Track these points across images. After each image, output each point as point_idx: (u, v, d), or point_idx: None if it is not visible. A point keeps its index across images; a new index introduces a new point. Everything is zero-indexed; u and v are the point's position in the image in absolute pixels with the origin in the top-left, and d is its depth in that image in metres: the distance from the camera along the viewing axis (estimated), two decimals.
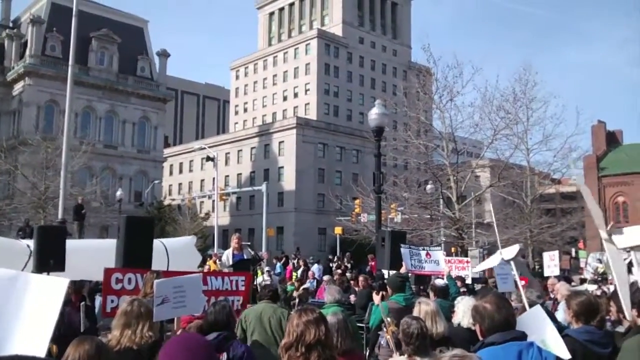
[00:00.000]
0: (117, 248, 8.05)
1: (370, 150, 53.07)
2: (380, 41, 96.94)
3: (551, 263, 15.02)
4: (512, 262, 6.33)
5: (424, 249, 11.09)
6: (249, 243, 28.70)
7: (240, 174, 79.86)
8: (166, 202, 62.64)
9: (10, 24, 66.36)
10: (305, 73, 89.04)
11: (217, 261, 13.31)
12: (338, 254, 37.63)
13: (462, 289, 12.38)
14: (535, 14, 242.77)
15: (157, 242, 9.25)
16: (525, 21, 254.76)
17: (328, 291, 7.90)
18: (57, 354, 3.68)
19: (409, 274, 10.18)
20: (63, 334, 3.48)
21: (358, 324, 8.62)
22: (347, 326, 4.82)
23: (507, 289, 8.50)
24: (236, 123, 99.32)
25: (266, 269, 19.89)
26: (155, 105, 66.43)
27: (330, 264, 27.06)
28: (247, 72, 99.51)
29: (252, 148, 79.95)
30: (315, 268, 24.50)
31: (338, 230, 44.62)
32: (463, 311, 6.27)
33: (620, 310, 4.67)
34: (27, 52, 58.68)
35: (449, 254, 25.47)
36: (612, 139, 71.92)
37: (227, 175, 78.54)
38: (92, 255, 8.97)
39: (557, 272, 15.04)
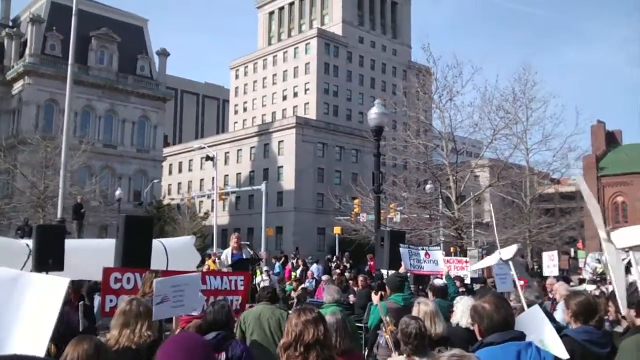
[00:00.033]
0: (116, 247, 8.05)
1: (370, 150, 53.06)
2: (380, 41, 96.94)
3: (550, 263, 15.02)
4: (510, 262, 6.33)
5: (423, 249, 11.09)
6: (248, 242, 28.73)
7: (240, 173, 79.86)
8: (165, 202, 62.66)
9: (10, 23, 66.35)
10: (304, 72, 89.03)
11: (216, 260, 13.30)
12: (337, 253, 37.64)
13: (460, 289, 12.37)
14: (535, 14, 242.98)
15: (156, 242, 9.24)
16: (525, 21, 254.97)
17: (327, 291, 7.90)
18: (55, 354, 3.68)
19: (408, 274, 10.19)
20: (62, 333, 3.48)
21: (357, 324, 8.62)
22: (346, 326, 4.82)
23: (505, 289, 8.51)
24: (236, 122, 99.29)
25: (265, 268, 19.88)
26: (154, 105, 66.40)
27: (330, 264, 27.05)
28: (246, 72, 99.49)
29: (251, 147, 79.94)
30: (314, 268, 24.49)
31: (337, 230, 44.63)
32: (462, 311, 6.28)
33: (618, 310, 4.68)
34: (27, 51, 58.65)
35: (448, 253, 25.46)
36: (612, 139, 71.95)
37: (227, 175, 78.55)
38: (91, 255, 8.97)
39: (556, 272, 15.05)
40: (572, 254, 46.96)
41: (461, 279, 14.01)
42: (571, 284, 15.21)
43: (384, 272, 10.84)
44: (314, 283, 20.03)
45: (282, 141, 75.45)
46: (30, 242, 7.90)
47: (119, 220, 8.36)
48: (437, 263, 10.88)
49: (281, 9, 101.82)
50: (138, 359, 4.16)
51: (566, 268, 40.67)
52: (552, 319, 6.42)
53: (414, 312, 5.41)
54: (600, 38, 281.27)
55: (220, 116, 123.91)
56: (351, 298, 14.01)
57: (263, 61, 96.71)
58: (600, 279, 15.79)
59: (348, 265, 26.26)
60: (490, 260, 8.66)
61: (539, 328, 3.89)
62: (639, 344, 3.77)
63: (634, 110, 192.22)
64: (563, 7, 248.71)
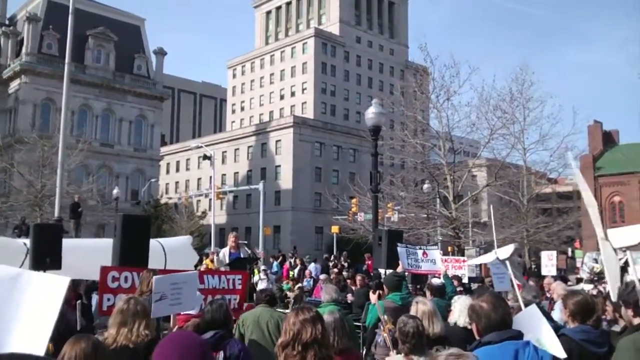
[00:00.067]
0: (113, 246, 8.05)
1: (367, 150, 53.08)
2: (377, 40, 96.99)
3: (549, 263, 15.08)
4: (507, 262, 6.33)
5: (420, 248, 11.11)
6: (245, 242, 28.72)
7: (237, 172, 79.84)
8: (163, 201, 62.63)
9: (6, 22, 66.19)
10: (302, 72, 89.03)
11: (215, 257, 13.29)
12: (335, 253, 37.65)
13: (458, 288, 12.39)
14: (534, 14, 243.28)
15: (154, 242, 9.25)
16: (524, 21, 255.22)
17: (325, 290, 7.91)
18: (53, 353, 3.68)
19: (406, 273, 10.21)
20: (59, 332, 3.48)
21: (355, 323, 8.63)
22: (344, 325, 4.83)
23: (503, 289, 8.53)
24: (233, 122, 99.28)
25: (262, 267, 19.89)
26: (152, 104, 66.33)
27: (329, 263, 27.07)
28: (244, 71, 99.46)
29: (249, 147, 79.93)
30: (312, 267, 24.51)
31: (335, 229, 44.64)
32: (459, 310, 6.28)
33: (616, 309, 4.69)
34: (23, 49, 58.52)
35: (445, 253, 25.48)
36: (609, 139, 72.02)
37: (224, 174, 78.53)
38: (88, 254, 8.96)
39: (554, 272, 15.11)
40: (570, 253, 47.01)
41: (459, 278, 14.03)
42: (569, 283, 15.26)
43: (382, 271, 10.85)
44: (311, 282, 20.05)
45: (280, 140, 75.45)
46: (27, 241, 7.89)
47: (117, 220, 8.36)
48: (435, 262, 10.90)
49: (278, 8, 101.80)
50: (136, 358, 4.16)
51: (564, 267, 40.71)
52: (550, 319, 6.44)
53: (412, 312, 5.41)
54: (599, 38, 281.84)
55: (217, 115, 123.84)
56: (349, 297, 14.03)
57: (260, 60, 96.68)
58: (598, 278, 15.81)
59: (346, 264, 26.29)
60: (487, 258, 8.68)
61: (536, 327, 3.90)
62: (636, 342, 3.78)
63: (632, 110, 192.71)
64: (562, 7, 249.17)
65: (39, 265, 6.84)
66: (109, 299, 7.03)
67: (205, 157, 43.27)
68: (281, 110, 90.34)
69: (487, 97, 31.20)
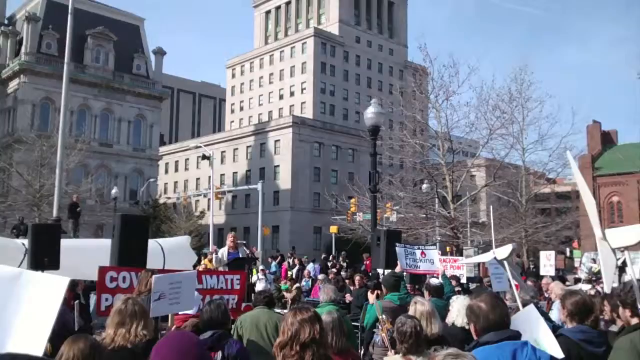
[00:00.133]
0: (112, 246, 8.04)
1: (366, 149, 53.14)
2: (377, 40, 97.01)
3: (547, 263, 15.10)
4: (505, 262, 6.33)
5: (419, 248, 11.13)
6: (244, 242, 28.74)
7: (236, 172, 79.82)
8: (161, 201, 62.60)
9: (6, 21, 66.13)
10: (301, 72, 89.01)
11: (214, 255, 13.30)
12: (333, 253, 37.68)
13: (456, 288, 12.40)
14: (533, 14, 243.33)
15: (153, 242, 9.25)
16: (522, 21, 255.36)
17: (323, 290, 7.90)
18: (51, 352, 3.67)
19: (404, 273, 10.21)
20: (57, 332, 3.48)
21: (353, 323, 8.62)
22: (342, 325, 4.83)
23: (501, 289, 8.53)
24: (232, 121, 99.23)
25: (261, 267, 19.89)
26: (150, 103, 66.31)
27: (328, 263, 27.08)
28: (243, 71, 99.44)
29: (248, 147, 79.90)
30: (310, 267, 24.53)
31: (333, 229, 44.65)
32: (457, 310, 6.28)
33: (614, 309, 4.69)
34: (23, 49, 58.48)
35: (444, 253, 25.52)
36: (607, 139, 72.08)
37: (223, 174, 78.48)
38: (86, 255, 8.96)
39: (552, 272, 15.13)
40: (568, 253, 47.03)
41: (457, 279, 14.03)
42: (567, 283, 15.26)
43: (380, 271, 10.86)
44: (310, 282, 20.06)
45: (279, 140, 75.42)
46: (26, 241, 7.89)
47: (115, 219, 8.36)
48: (433, 262, 10.92)
49: (278, 8, 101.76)
50: (133, 358, 4.15)
51: (562, 268, 40.75)
52: (548, 319, 6.44)
53: (411, 312, 5.41)
54: (598, 38, 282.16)
55: (216, 115, 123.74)
56: (348, 297, 14.03)
57: (259, 60, 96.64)
58: (596, 278, 15.83)
59: (344, 264, 26.30)
60: (484, 257, 8.68)
61: (534, 327, 3.90)
62: (634, 342, 3.78)
63: (630, 110, 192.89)
64: (561, 6, 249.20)
65: (37, 265, 6.84)
66: (107, 299, 7.02)
67: (204, 157, 43.24)
68: (280, 110, 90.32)
69: (486, 97, 31.25)
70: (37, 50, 58.33)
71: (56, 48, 57.26)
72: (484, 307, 3.52)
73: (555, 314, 7.58)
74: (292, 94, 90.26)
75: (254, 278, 17.90)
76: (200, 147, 51.09)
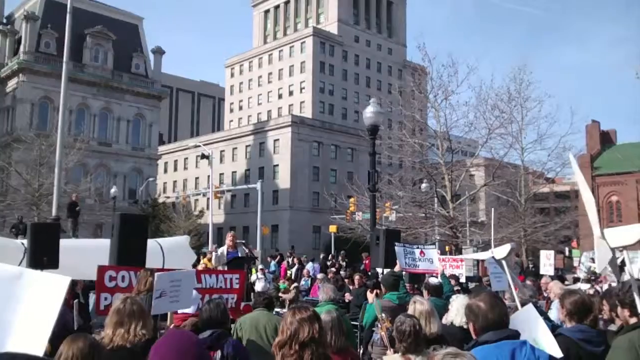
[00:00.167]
0: (111, 245, 8.04)
1: (365, 149, 53.12)
2: (376, 40, 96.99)
3: (547, 262, 15.12)
4: (503, 262, 6.32)
5: (418, 247, 11.12)
6: (243, 241, 28.70)
7: (235, 171, 79.81)
8: (161, 200, 62.58)
9: (4, 20, 66.04)
10: (300, 71, 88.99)
11: (213, 254, 13.30)
12: (332, 252, 37.70)
13: (455, 288, 12.40)
14: (532, 14, 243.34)
15: (152, 242, 9.25)
16: (522, 20, 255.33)
17: (322, 289, 7.91)
18: (50, 352, 3.67)
19: (403, 273, 10.21)
20: (56, 332, 3.47)
21: (353, 322, 8.63)
22: (341, 324, 4.83)
23: (501, 288, 8.53)
24: (231, 121, 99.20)
25: (260, 267, 19.89)
26: (149, 103, 66.29)
27: (327, 262, 27.08)
28: (242, 70, 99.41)
29: (247, 146, 79.90)
30: (309, 266, 24.52)
31: (333, 228, 44.67)
32: (456, 309, 6.28)
33: (612, 309, 4.70)
34: (21, 48, 58.45)
35: (443, 252, 25.53)
36: (606, 139, 72.09)
37: (222, 173, 78.46)
38: (85, 255, 8.95)
39: (551, 272, 15.15)
40: (567, 253, 47.08)
41: (456, 278, 14.04)
42: (566, 282, 15.28)
43: (379, 270, 10.87)
44: (309, 282, 20.06)
45: (278, 140, 75.43)
46: (25, 240, 7.89)
47: (114, 219, 8.35)
48: (432, 261, 10.92)
49: (277, 7, 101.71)
50: (132, 357, 4.15)
51: (561, 267, 40.80)
52: (547, 318, 6.45)
53: (410, 311, 5.41)
54: (597, 38, 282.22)
55: (215, 114, 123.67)
56: (347, 296, 14.03)
57: (258, 60, 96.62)
58: (595, 277, 15.87)
59: (344, 263, 26.30)
60: (483, 255, 8.68)
61: (533, 327, 3.90)
62: (632, 341, 3.79)
63: (629, 110, 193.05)
64: (560, 6, 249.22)
65: (37, 264, 6.84)
66: (106, 298, 7.02)
67: (203, 156, 43.28)
68: (279, 109, 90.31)
69: (485, 96, 31.26)
70: (35, 49, 58.28)
71: (55, 47, 57.21)
72: (483, 307, 3.52)
73: (554, 313, 7.59)
74: (291, 93, 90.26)
75: (253, 277, 17.91)
76: (199, 146, 51.11)
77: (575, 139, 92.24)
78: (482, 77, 77.80)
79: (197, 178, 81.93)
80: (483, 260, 17.22)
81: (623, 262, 4.88)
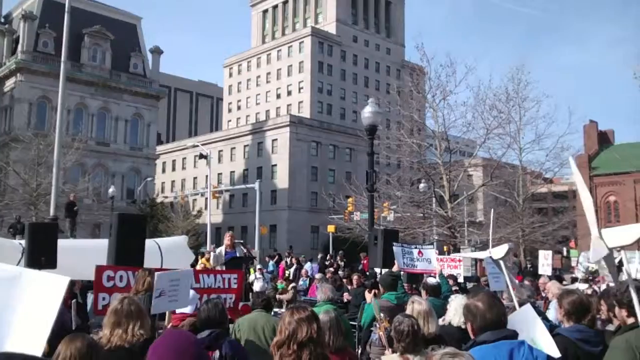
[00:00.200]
0: (109, 245, 8.02)
1: (364, 149, 53.10)
2: (374, 40, 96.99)
3: (545, 262, 15.14)
4: (501, 262, 6.32)
5: (416, 247, 11.12)
6: (241, 241, 28.67)
7: (234, 171, 79.76)
8: (159, 200, 62.52)
9: (2, 20, 65.93)
10: (298, 71, 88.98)
11: (212, 254, 13.29)
12: (331, 252, 37.69)
13: (454, 288, 12.41)
14: (531, 14, 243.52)
15: (151, 242, 9.24)
16: (520, 21, 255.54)
17: (320, 289, 7.90)
18: (48, 352, 3.67)
19: (401, 273, 10.20)
20: (55, 332, 3.46)
21: (351, 322, 8.63)
22: (339, 324, 4.83)
23: (499, 288, 8.53)
24: (229, 121, 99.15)
25: (258, 266, 19.88)
26: (148, 102, 66.23)
27: (326, 262, 27.04)
28: (240, 70, 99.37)
29: (245, 146, 79.85)
30: (308, 266, 24.50)
31: (331, 228, 44.68)
32: (455, 309, 6.28)
33: (610, 309, 4.71)
34: (19, 48, 58.35)
35: (441, 252, 25.54)
36: (604, 139, 72.23)
37: (220, 173, 78.42)
38: (83, 255, 8.94)
39: (549, 272, 15.17)
40: (565, 253, 47.15)
41: (454, 278, 14.05)
42: (564, 282, 15.30)
43: (378, 270, 10.86)
44: (307, 281, 20.03)
45: (276, 140, 75.40)
46: (23, 241, 7.88)
47: (112, 219, 8.33)
48: (430, 261, 10.91)
49: (275, 7, 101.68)
50: (131, 357, 4.14)
51: (559, 267, 40.86)
52: (545, 318, 6.45)
53: (408, 311, 5.41)
54: (596, 38, 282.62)
55: (213, 114, 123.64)
56: (346, 296, 14.02)
57: (257, 59, 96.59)
58: (593, 277, 15.87)
59: (342, 263, 26.27)
60: (481, 254, 8.68)
61: (531, 327, 3.91)
62: (629, 341, 3.79)
63: (627, 110, 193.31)
64: (559, 7, 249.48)
65: (34, 264, 6.83)
66: (104, 298, 7.01)
67: (202, 156, 43.23)
68: (277, 109, 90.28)
69: (483, 96, 31.32)
70: (33, 48, 58.20)
71: (53, 47, 57.14)
72: (481, 307, 3.52)
73: (553, 313, 7.59)
74: (289, 93, 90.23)
75: (251, 277, 17.90)
76: (197, 146, 51.08)
77: (573, 139, 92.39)
78: (481, 77, 77.95)
79: (195, 178, 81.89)
80: (481, 261, 17.24)
81: (621, 262, 4.89)
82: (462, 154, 43.95)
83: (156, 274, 5.61)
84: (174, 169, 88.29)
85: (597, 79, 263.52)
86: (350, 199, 39.27)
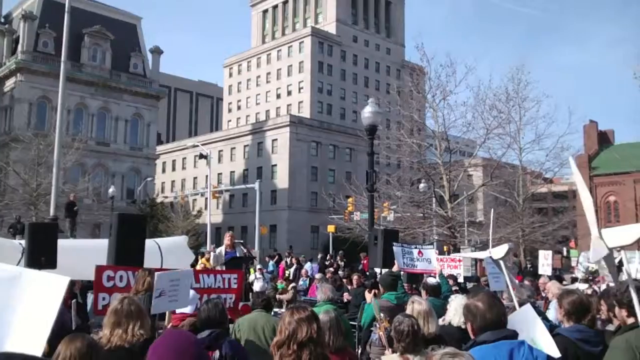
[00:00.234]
0: (109, 245, 8.02)
1: (364, 149, 53.13)
2: (374, 40, 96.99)
3: (545, 262, 15.15)
4: (501, 262, 6.32)
5: (416, 247, 11.12)
6: (241, 241, 28.67)
7: (234, 171, 79.76)
8: (159, 200, 62.52)
9: (2, 20, 65.93)
10: (298, 71, 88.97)
11: (212, 254, 13.29)
12: (331, 252, 37.69)
13: (454, 288, 12.41)
14: (531, 14, 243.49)
15: (151, 242, 9.24)
16: (520, 21, 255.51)
17: (320, 289, 7.90)
18: (48, 352, 3.66)
19: (401, 273, 10.20)
20: (55, 332, 3.46)
21: (351, 322, 8.63)
22: (339, 324, 4.83)
23: (499, 288, 8.53)
24: (229, 121, 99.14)
25: (258, 266, 19.88)
26: (148, 102, 66.23)
27: (326, 262, 27.04)
28: (240, 70, 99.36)
29: (245, 146, 79.85)
30: (308, 266, 24.49)
31: (331, 228, 44.67)
32: (455, 309, 6.28)
33: (610, 309, 4.71)
34: (19, 48, 58.35)
35: (441, 252, 25.53)
36: (604, 139, 72.23)
37: (220, 173, 78.43)
38: (83, 255, 8.94)
39: (549, 272, 15.17)
40: (565, 253, 47.16)
41: (454, 278, 14.05)
42: (564, 282, 15.30)
43: (378, 270, 10.86)
44: (307, 281, 20.03)
45: (276, 140, 75.40)
46: (23, 241, 7.87)
47: (112, 219, 8.33)
48: (430, 262, 10.91)
49: (275, 7, 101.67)
50: (131, 357, 4.14)
51: (559, 267, 40.86)
52: (545, 318, 6.45)
53: (408, 311, 5.41)
54: (596, 38, 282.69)
55: (213, 114, 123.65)
56: (346, 296, 14.03)
57: (257, 59, 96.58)
58: (593, 277, 15.87)
59: (342, 263, 26.27)
60: (481, 254, 8.68)
61: (531, 327, 3.90)
62: (629, 341, 3.79)
63: (627, 110, 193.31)
64: (559, 7, 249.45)
65: (34, 264, 6.82)
66: (104, 298, 7.01)
67: (202, 156, 43.22)
68: (277, 109, 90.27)
69: (483, 96, 31.32)
70: (33, 48, 58.20)
71: (53, 47, 57.14)
72: (481, 307, 3.52)
73: (553, 313, 7.59)
74: (289, 93, 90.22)
75: (251, 277, 17.91)
76: (197, 146, 51.08)
77: (573, 139, 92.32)
78: (481, 77, 77.92)
79: (195, 178, 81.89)
80: (481, 260, 17.24)
81: (621, 262, 4.89)
82: (462, 154, 43.96)
83: (156, 274, 5.62)
84: (174, 169, 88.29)
85: (597, 79, 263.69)
86: (350, 199, 39.27)
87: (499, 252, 6.39)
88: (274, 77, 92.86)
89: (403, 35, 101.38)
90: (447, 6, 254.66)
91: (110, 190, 45.48)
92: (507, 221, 33.47)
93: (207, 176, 46.78)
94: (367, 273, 15.51)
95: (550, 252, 15.51)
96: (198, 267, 13.16)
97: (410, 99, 33.41)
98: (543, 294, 10.98)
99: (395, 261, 10.31)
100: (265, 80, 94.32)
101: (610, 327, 5.08)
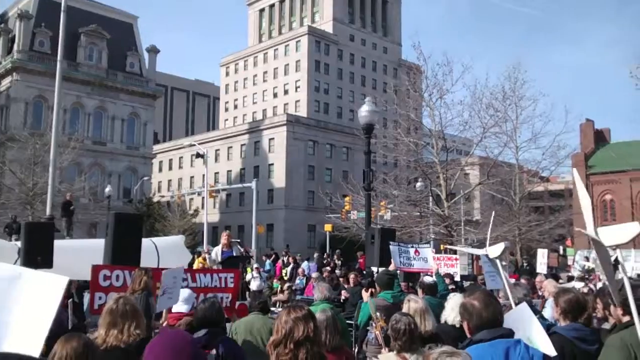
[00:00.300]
0: (105, 245, 8.02)
1: (360, 148, 53.11)
2: (371, 38, 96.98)
3: (542, 260, 15.22)
4: (497, 261, 6.32)
5: (412, 246, 11.14)
6: (238, 240, 28.67)
7: (230, 170, 79.71)
8: (155, 199, 62.47)
9: None
10: (295, 70, 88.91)
11: (207, 256, 13.30)
12: (328, 251, 37.70)
13: (450, 286, 12.42)
14: (528, 14, 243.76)
15: (147, 241, 9.24)
16: (517, 20, 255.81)
17: (317, 288, 7.90)
18: (44, 351, 3.66)
19: (398, 271, 10.22)
20: (53, 331, 3.45)
21: (348, 321, 8.63)
22: (336, 323, 4.83)
23: (495, 287, 8.56)
24: (226, 120, 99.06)
25: (255, 265, 19.88)
26: (144, 102, 66.12)
27: (323, 261, 27.06)
28: (237, 69, 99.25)
29: (242, 145, 79.80)
30: (305, 265, 24.52)
31: (328, 227, 44.67)
32: (451, 307, 6.29)
33: (606, 307, 4.72)
34: (15, 47, 58.17)
35: (438, 251, 25.55)
36: (600, 137, 72.37)
37: (217, 172, 78.41)
38: (79, 255, 8.93)
39: (545, 270, 15.23)
40: (561, 251, 47.25)
41: (451, 277, 14.06)
42: (560, 281, 15.32)
43: (374, 269, 10.87)
44: (304, 280, 20.05)
45: (273, 139, 75.37)
46: (19, 243, 7.87)
47: (109, 218, 8.34)
48: (427, 260, 10.93)
49: (272, 6, 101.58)
50: (127, 357, 4.14)
51: (555, 265, 40.94)
52: (541, 317, 6.46)
53: (404, 309, 5.42)
54: (593, 38, 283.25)
55: (210, 113, 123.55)
56: (344, 294, 14.05)
57: (253, 58, 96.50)
58: (589, 276, 15.93)
59: (339, 262, 26.31)
60: (478, 251, 8.69)
61: (527, 325, 3.91)
62: (624, 340, 3.80)
63: (624, 109, 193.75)
64: (556, 6, 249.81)
65: (31, 263, 6.81)
66: (100, 298, 7.01)
67: (198, 155, 43.20)
68: (274, 108, 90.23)
69: (480, 95, 31.34)
70: (29, 48, 58.05)
71: (49, 46, 57.00)
72: (477, 305, 3.52)
73: (549, 311, 7.61)
74: (286, 92, 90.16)
75: (248, 276, 17.91)
76: (194, 145, 51.00)
77: (570, 138, 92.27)
78: (477, 76, 78.00)
79: (192, 177, 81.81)
80: (478, 259, 17.26)
81: (617, 260, 4.90)
82: (459, 153, 44.04)
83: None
84: (170, 168, 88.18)
85: (593, 78, 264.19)
86: (347, 198, 39.27)
87: (495, 250, 6.40)
88: (271, 76, 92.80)
89: (400, 34, 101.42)
90: (444, 5, 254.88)
91: (107, 189, 45.39)
92: (503, 220, 33.48)
93: (203, 175, 46.78)
94: (364, 272, 15.53)
95: (546, 251, 15.56)
96: (195, 267, 13.15)
97: (407, 97, 33.42)
98: (539, 293, 11.00)
99: (392, 260, 10.33)
100: (262, 79, 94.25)
101: (606, 326, 5.09)
